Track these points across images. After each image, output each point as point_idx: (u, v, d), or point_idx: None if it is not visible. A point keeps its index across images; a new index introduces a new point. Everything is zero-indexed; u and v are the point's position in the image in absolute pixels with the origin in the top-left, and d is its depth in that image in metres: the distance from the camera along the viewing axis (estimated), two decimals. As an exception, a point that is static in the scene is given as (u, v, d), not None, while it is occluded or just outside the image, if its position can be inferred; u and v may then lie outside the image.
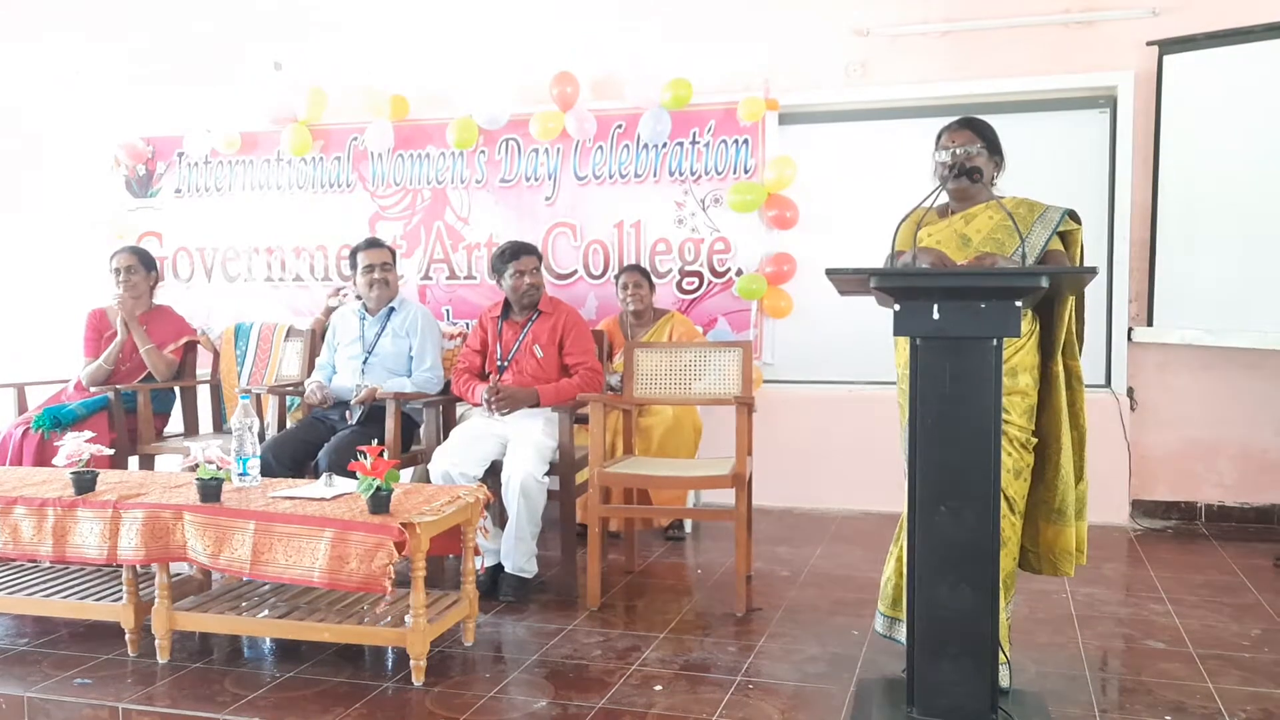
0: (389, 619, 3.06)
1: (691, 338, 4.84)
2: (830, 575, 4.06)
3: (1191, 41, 4.67)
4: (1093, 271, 2.52)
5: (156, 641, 3.10)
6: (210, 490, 3.08)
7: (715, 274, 5.35)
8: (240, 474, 3.30)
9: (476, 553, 3.27)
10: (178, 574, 3.31)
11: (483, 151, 5.63)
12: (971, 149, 2.95)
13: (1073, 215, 2.89)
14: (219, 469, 3.13)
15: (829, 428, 5.22)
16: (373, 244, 4.45)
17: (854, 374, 5.25)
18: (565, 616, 3.54)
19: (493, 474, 3.81)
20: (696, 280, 5.38)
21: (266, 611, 3.14)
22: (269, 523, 2.96)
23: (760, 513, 5.05)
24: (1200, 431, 4.90)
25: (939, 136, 3.03)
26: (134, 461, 4.68)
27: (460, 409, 4.46)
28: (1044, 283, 2.42)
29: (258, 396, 4.33)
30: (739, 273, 5.30)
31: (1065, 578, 3.65)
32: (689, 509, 4.65)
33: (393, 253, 4.51)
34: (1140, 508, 4.96)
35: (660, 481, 3.80)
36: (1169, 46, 4.73)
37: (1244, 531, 4.74)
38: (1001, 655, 2.67)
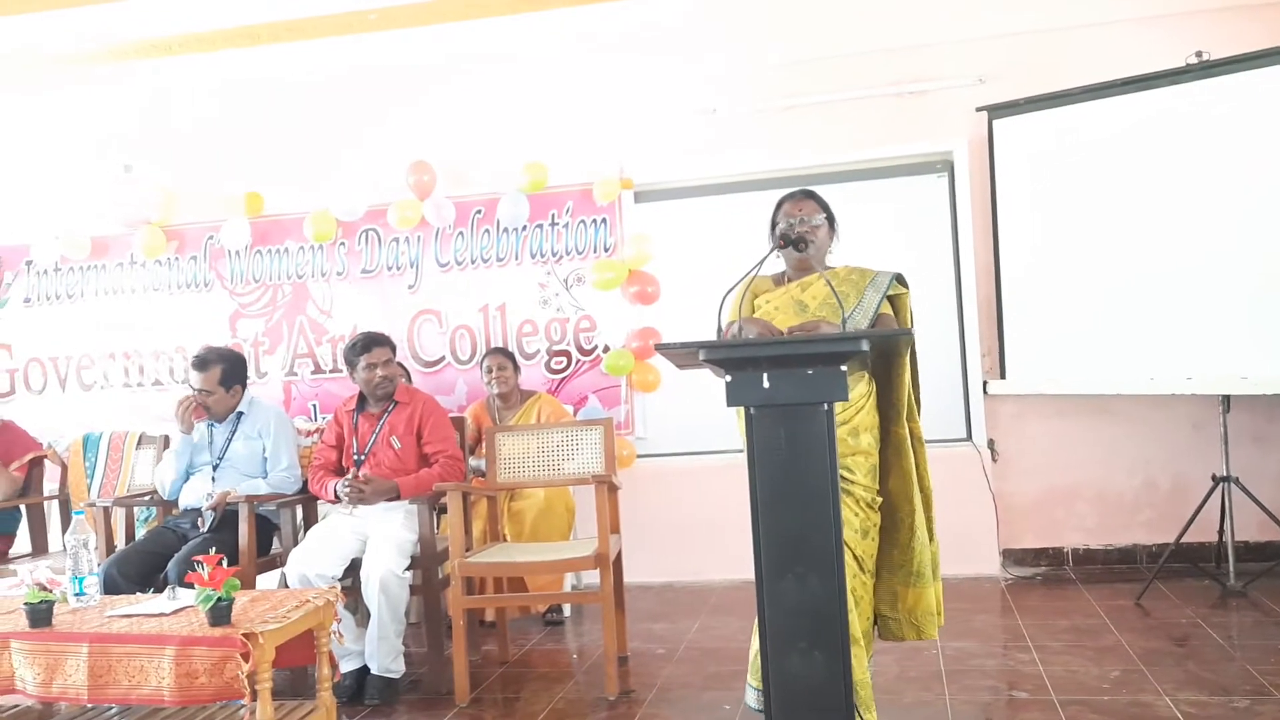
0: (240, 736, 2.90)
1: (560, 418, 4.81)
2: (706, 650, 4.02)
3: (1016, 106, 4.90)
4: (908, 333, 2.59)
5: (-15, 783, 2.89)
6: (39, 614, 2.90)
7: (583, 352, 5.36)
8: (76, 594, 3.13)
9: (331, 660, 3.14)
10: (15, 705, 3.11)
11: (342, 243, 5.58)
12: (816, 219, 3.02)
13: (900, 279, 2.97)
14: (49, 590, 2.96)
15: (705, 498, 5.20)
16: (196, 360, 4.18)
17: (727, 442, 5.25)
18: (434, 715, 3.42)
19: (354, 573, 3.70)
20: (565, 359, 5.38)
21: (108, 739, 2.96)
22: (104, 644, 2.79)
23: (640, 589, 5.01)
24: (1059, 478, 5.03)
25: (779, 205, 3.09)
26: (-25, 588, 4.41)
27: (323, 509, 4.33)
28: (864, 345, 2.47)
29: (105, 509, 4.13)
30: (606, 349, 5.32)
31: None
32: (560, 593, 4.49)
33: (225, 362, 4.17)
34: (1011, 556, 5.06)
35: (523, 568, 3.72)
36: (997, 111, 4.96)
37: (1109, 573, 4.86)
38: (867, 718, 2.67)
